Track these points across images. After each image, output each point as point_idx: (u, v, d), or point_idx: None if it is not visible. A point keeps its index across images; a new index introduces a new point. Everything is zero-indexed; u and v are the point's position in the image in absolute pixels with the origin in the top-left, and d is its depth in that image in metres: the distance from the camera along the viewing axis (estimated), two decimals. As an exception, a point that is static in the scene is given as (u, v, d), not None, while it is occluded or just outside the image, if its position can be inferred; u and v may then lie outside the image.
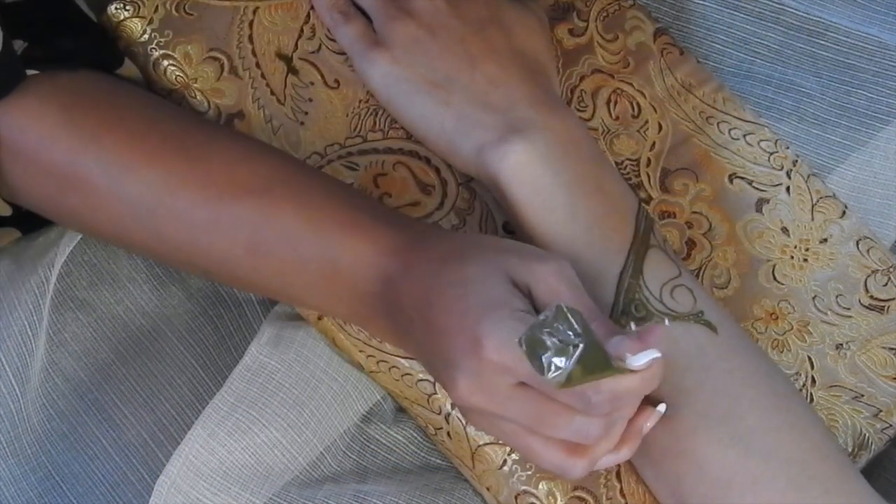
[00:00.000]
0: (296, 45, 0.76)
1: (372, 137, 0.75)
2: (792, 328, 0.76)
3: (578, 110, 0.77)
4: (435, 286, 0.63)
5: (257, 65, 0.75)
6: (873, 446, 0.75)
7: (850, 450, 0.75)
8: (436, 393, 0.72)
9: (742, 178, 0.78)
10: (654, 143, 0.78)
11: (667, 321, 0.68)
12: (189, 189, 0.67)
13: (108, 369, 0.75)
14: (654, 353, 0.59)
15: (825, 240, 0.78)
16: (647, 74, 0.79)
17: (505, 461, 0.71)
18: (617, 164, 0.77)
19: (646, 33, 0.80)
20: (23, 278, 0.74)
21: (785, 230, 0.78)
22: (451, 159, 0.73)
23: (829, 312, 0.77)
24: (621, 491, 0.71)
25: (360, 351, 0.73)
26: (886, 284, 0.78)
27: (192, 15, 0.75)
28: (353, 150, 0.75)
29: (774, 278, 0.77)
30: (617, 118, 0.78)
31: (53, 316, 0.75)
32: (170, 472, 0.72)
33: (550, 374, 0.55)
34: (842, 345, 0.76)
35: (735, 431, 0.67)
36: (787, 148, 0.79)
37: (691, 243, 0.76)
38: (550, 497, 0.71)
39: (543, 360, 0.54)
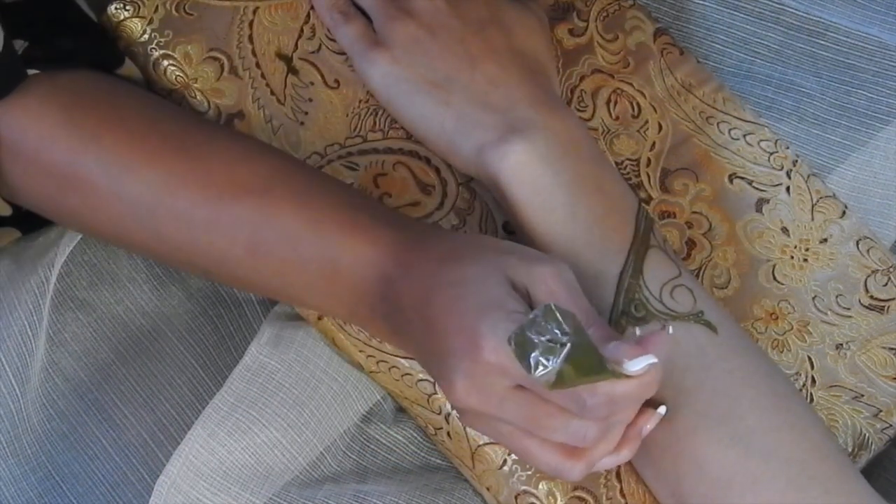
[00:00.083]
0: (296, 45, 0.76)
1: (372, 137, 0.75)
2: (792, 328, 0.76)
3: (578, 110, 0.77)
4: (434, 286, 0.63)
5: (257, 65, 0.75)
6: (873, 446, 0.75)
7: (850, 450, 0.75)
8: (436, 393, 0.72)
9: (742, 178, 0.78)
10: (654, 143, 0.78)
11: (670, 329, 0.68)
12: (189, 189, 0.67)
13: (108, 369, 0.75)
14: (651, 359, 0.59)
15: (825, 240, 0.78)
16: (647, 74, 0.79)
17: (505, 461, 0.71)
18: (617, 164, 0.77)
19: (646, 33, 0.80)
20: (23, 278, 0.74)
21: (785, 230, 0.78)
22: (451, 159, 0.73)
23: (829, 312, 0.77)
24: (621, 491, 0.71)
25: (360, 351, 0.73)
26: (886, 284, 0.78)
27: (192, 15, 0.75)
28: (353, 150, 0.75)
29: (774, 278, 0.77)
30: (617, 118, 0.78)
31: (53, 316, 0.75)
32: (170, 472, 0.72)
33: (538, 373, 0.55)
34: (842, 345, 0.76)
35: (735, 431, 0.67)
36: (787, 148, 0.79)
37: (691, 243, 0.76)
38: (550, 497, 0.71)
39: (531, 359, 0.54)
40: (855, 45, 0.81)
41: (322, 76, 0.76)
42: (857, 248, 0.78)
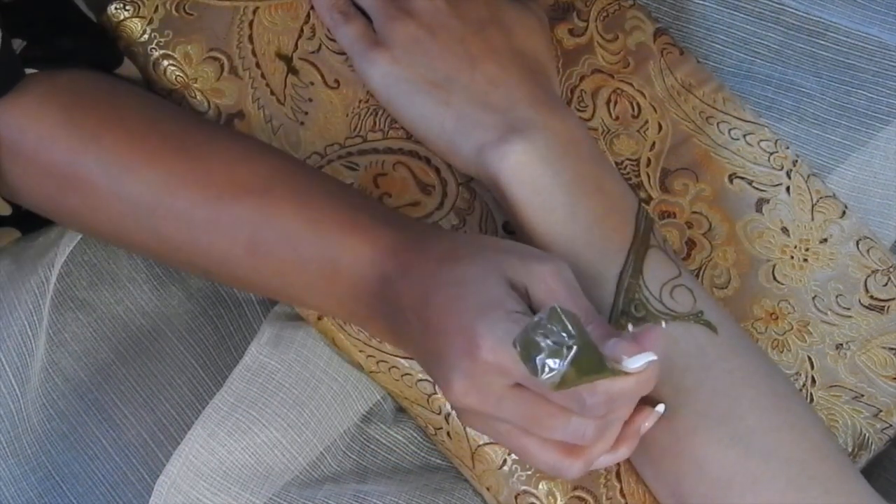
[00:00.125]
0: (296, 45, 0.76)
1: (372, 137, 0.75)
2: (792, 328, 0.76)
3: (578, 110, 0.77)
4: (433, 286, 0.63)
5: (257, 65, 0.75)
6: (873, 446, 0.75)
7: (850, 450, 0.75)
8: (435, 393, 0.72)
9: (742, 178, 0.78)
10: (654, 143, 0.78)
11: (664, 323, 0.68)
12: (189, 189, 0.67)
13: (108, 369, 0.75)
14: (650, 356, 0.59)
15: (825, 240, 0.78)
16: (647, 74, 0.79)
17: (505, 461, 0.71)
18: (617, 164, 0.77)
19: (646, 33, 0.80)
20: (23, 278, 0.74)
21: (785, 230, 0.78)
22: (451, 159, 0.73)
23: (829, 312, 0.77)
24: (621, 491, 0.71)
25: (360, 351, 0.73)
26: (886, 284, 0.78)
27: (192, 15, 0.75)
28: (353, 150, 0.75)
29: (774, 278, 0.77)
30: (617, 118, 0.78)
31: (53, 316, 0.75)
32: (170, 472, 0.72)
33: (544, 376, 0.55)
34: (842, 345, 0.76)
35: (735, 431, 0.67)
36: (787, 148, 0.79)
37: (691, 243, 0.76)
38: (550, 497, 0.71)
39: (537, 361, 0.54)
40: (855, 45, 0.81)
41: (322, 76, 0.76)
42: (857, 248, 0.78)
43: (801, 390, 0.75)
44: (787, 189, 0.78)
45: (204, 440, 0.72)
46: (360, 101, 0.76)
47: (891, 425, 0.76)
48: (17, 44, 0.69)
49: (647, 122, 0.78)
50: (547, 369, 0.54)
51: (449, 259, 0.64)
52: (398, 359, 0.73)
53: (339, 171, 0.74)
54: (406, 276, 0.64)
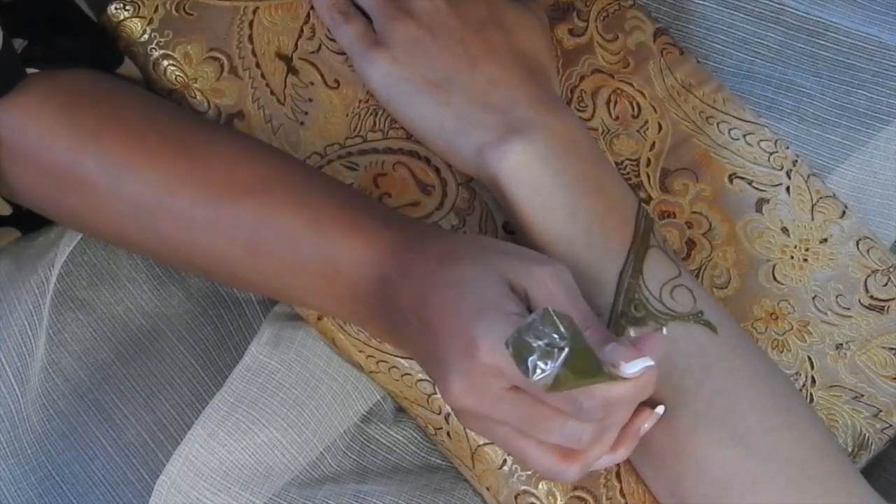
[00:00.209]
0: (296, 45, 0.76)
1: (372, 137, 0.75)
2: (792, 328, 0.76)
3: (578, 110, 0.77)
4: (432, 287, 0.63)
5: (257, 65, 0.75)
6: (873, 446, 0.75)
7: (850, 450, 0.75)
8: (435, 393, 0.72)
9: (742, 178, 0.78)
10: (653, 143, 0.78)
11: (664, 330, 0.68)
12: (189, 189, 0.67)
13: (108, 369, 0.75)
14: (647, 362, 0.59)
15: (825, 240, 0.78)
16: (647, 74, 0.79)
17: (505, 461, 0.71)
18: (617, 164, 0.77)
19: (646, 33, 0.80)
20: (23, 278, 0.74)
21: (785, 230, 0.78)
22: (451, 159, 0.73)
23: (829, 312, 0.77)
24: (621, 491, 0.71)
25: (360, 351, 0.73)
26: (886, 284, 0.78)
27: (192, 15, 0.75)
28: (353, 150, 0.75)
29: (774, 278, 0.77)
30: (617, 118, 0.78)
31: (53, 316, 0.75)
32: (170, 472, 0.72)
33: (535, 377, 0.55)
34: (842, 345, 0.76)
35: (735, 431, 0.67)
36: (787, 148, 0.79)
37: (691, 243, 0.76)
38: (550, 497, 0.71)
39: (529, 362, 0.54)
40: (855, 45, 0.81)
41: (322, 76, 0.76)
42: (857, 248, 0.78)
43: (801, 390, 0.75)
44: (787, 189, 0.78)
45: (204, 440, 0.72)
46: (360, 101, 0.76)
47: (891, 425, 0.76)
48: (18, 43, 0.69)
49: (647, 122, 0.78)
50: (538, 370, 0.54)
51: (449, 259, 0.64)
52: (398, 359, 0.73)
53: (339, 171, 0.74)
54: (405, 276, 0.64)
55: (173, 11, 0.75)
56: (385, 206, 0.72)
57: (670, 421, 0.67)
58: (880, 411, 0.76)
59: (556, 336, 0.54)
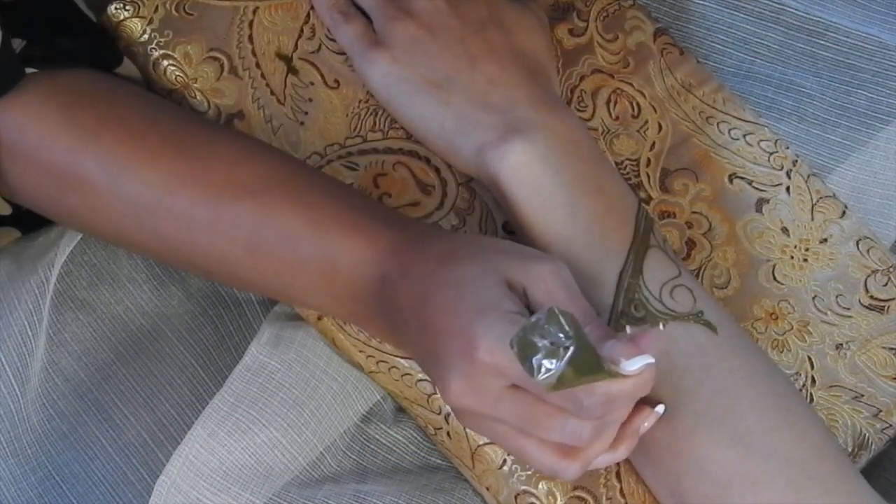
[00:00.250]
0: (296, 45, 0.76)
1: (372, 137, 0.75)
2: (792, 328, 0.76)
3: (578, 110, 0.77)
4: (432, 286, 0.63)
5: (257, 65, 0.75)
6: (873, 446, 0.75)
7: (850, 450, 0.75)
8: (435, 393, 0.72)
9: (742, 178, 0.78)
10: (653, 143, 0.78)
11: (662, 325, 0.68)
12: (189, 189, 0.67)
13: (108, 369, 0.75)
14: (647, 359, 0.59)
15: (825, 240, 0.78)
16: (647, 74, 0.79)
17: (504, 461, 0.71)
18: (617, 164, 0.77)
19: (646, 33, 0.80)
20: (23, 278, 0.74)
21: (785, 230, 0.78)
22: (451, 159, 0.73)
23: (829, 312, 0.77)
24: (621, 491, 0.71)
25: (360, 351, 0.73)
26: (886, 284, 0.78)
27: (192, 15, 0.75)
28: (353, 150, 0.75)
29: (774, 278, 0.77)
30: (617, 118, 0.78)
31: (53, 316, 0.75)
32: (170, 472, 0.72)
33: (540, 376, 0.55)
34: (842, 345, 0.76)
35: (735, 431, 0.67)
36: (787, 148, 0.79)
37: (691, 243, 0.76)
38: (550, 497, 0.71)
39: (534, 362, 0.54)
40: (855, 45, 0.81)
41: (322, 76, 0.76)
42: (857, 248, 0.78)
43: (801, 390, 0.75)
44: (787, 189, 0.78)
45: (204, 440, 0.72)
46: (360, 101, 0.76)
47: (891, 425, 0.76)
48: (17, 43, 0.69)
49: (646, 122, 0.78)
50: (543, 370, 0.54)
51: (448, 259, 0.64)
52: (398, 359, 0.73)
53: (339, 171, 0.74)
54: (405, 276, 0.64)
55: (173, 11, 0.75)
56: (385, 206, 0.72)
57: (670, 421, 0.67)
58: (880, 411, 0.76)
59: (561, 335, 0.54)
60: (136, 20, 0.75)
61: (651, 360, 0.59)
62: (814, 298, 0.77)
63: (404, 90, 0.73)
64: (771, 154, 0.79)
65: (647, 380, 0.60)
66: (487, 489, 0.73)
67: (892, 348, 0.77)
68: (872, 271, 0.78)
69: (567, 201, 0.69)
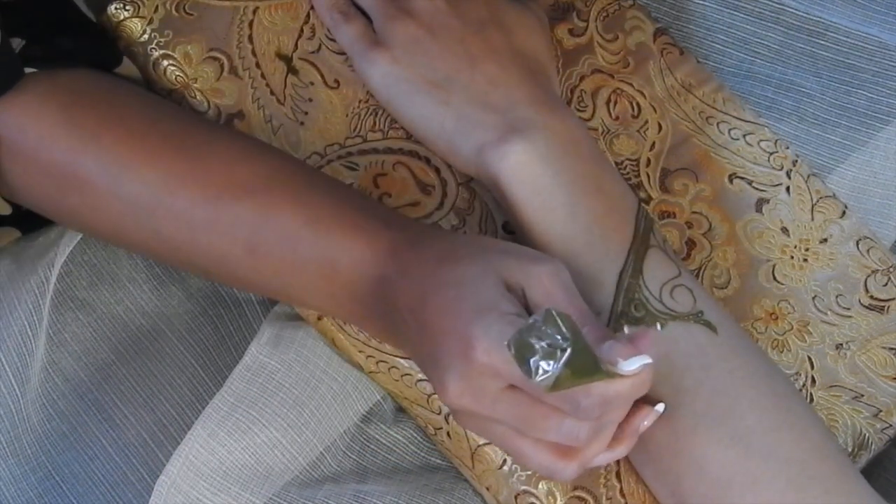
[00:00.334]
0: (296, 45, 0.76)
1: (372, 137, 0.75)
2: (792, 328, 0.76)
3: (578, 110, 0.77)
4: (430, 287, 0.63)
5: (257, 65, 0.75)
6: (873, 446, 0.75)
7: (850, 450, 0.75)
8: (435, 393, 0.72)
9: (742, 178, 0.78)
10: (653, 143, 0.78)
11: (659, 326, 0.68)
12: (188, 189, 0.67)
13: (108, 369, 0.75)
14: (644, 359, 0.59)
15: (825, 240, 0.78)
16: (646, 74, 0.79)
17: (504, 461, 0.71)
18: (617, 164, 0.77)
19: (646, 33, 0.80)
20: (23, 278, 0.74)
21: (785, 230, 0.78)
22: (451, 159, 0.73)
23: (829, 312, 0.77)
24: (621, 491, 0.71)
25: (360, 351, 0.73)
26: (886, 284, 0.78)
27: (192, 15, 0.75)
28: (353, 150, 0.75)
29: (774, 278, 0.77)
30: (617, 118, 0.78)
31: (53, 316, 0.75)
32: (170, 472, 0.72)
33: (538, 378, 0.55)
34: (842, 345, 0.76)
35: (735, 431, 0.67)
36: (787, 148, 0.79)
37: (691, 243, 0.76)
38: (550, 497, 0.71)
39: (531, 363, 0.54)
40: (855, 45, 0.81)
41: (322, 76, 0.76)
42: (857, 248, 0.78)
43: (801, 390, 0.75)
44: (787, 189, 0.78)
45: (204, 440, 0.72)
46: (360, 101, 0.76)
47: (891, 425, 0.76)
48: (17, 43, 0.69)
49: (646, 122, 0.78)
50: (541, 371, 0.55)
51: (448, 259, 0.64)
52: (398, 359, 0.73)
53: (339, 171, 0.74)
54: (405, 276, 0.64)
55: (173, 11, 0.75)
56: (385, 207, 0.72)
57: (670, 420, 0.67)
58: (880, 411, 0.76)
59: (558, 337, 0.55)
60: (136, 20, 0.75)
61: (648, 360, 0.59)
62: (814, 298, 0.77)
63: (404, 90, 0.73)
64: (771, 154, 0.79)
65: (644, 380, 0.60)
66: (487, 489, 0.73)
67: (892, 348, 0.77)
68: (872, 271, 0.78)
69: (567, 201, 0.69)
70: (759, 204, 0.78)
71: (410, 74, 0.73)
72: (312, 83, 0.75)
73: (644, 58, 0.79)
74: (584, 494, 0.71)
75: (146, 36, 0.75)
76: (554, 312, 0.55)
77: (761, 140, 0.79)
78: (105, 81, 0.71)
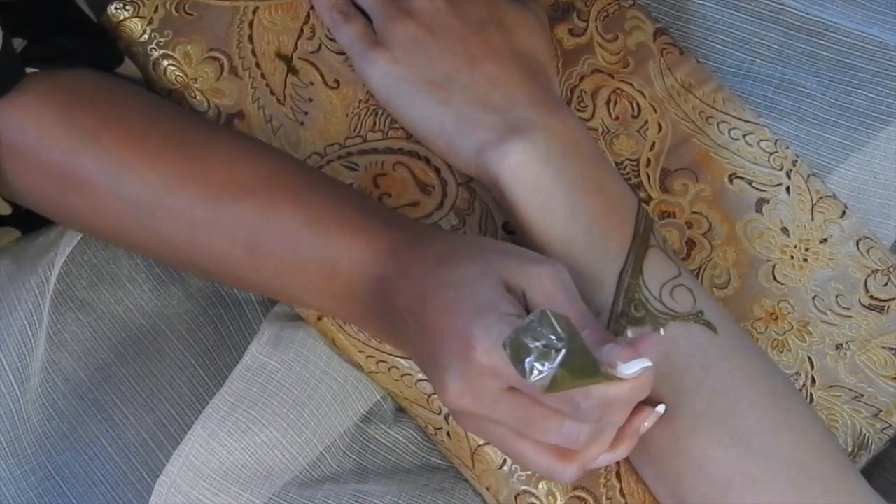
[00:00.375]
0: (296, 45, 0.76)
1: (372, 137, 0.75)
2: (792, 328, 0.76)
3: (578, 110, 0.77)
4: (431, 287, 0.63)
5: (257, 65, 0.75)
6: (873, 446, 0.75)
7: (850, 450, 0.75)
8: (435, 393, 0.72)
9: (742, 178, 0.78)
10: (653, 143, 0.78)
11: (662, 330, 0.68)
12: (188, 188, 0.67)
13: (108, 369, 0.75)
14: (645, 363, 0.59)
15: (825, 240, 0.78)
16: (646, 74, 0.79)
17: (504, 461, 0.71)
18: (617, 164, 0.77)
19: (646, 33, 0.80)
20: (23, 278, 0.74)
21: (785, 230, 0.78)
22: (451, 159, 0.73)
23: (829, 312, 0.77)
24: (621, 491, 0.71)
25: (360, 351, 0.73)
26: (886, 284, 0.78)
27: (192, 15, 0.75)
28: (353, 150, 0.75)
29: (774, 278, 0.77)
30: (617, 118, 0.78)
31: (53, 316, 0.75)
32: (170, 472, 0.72)
33: (533, 378, 0.55)
34: (842, 345, 0.76)
35: (735, 431, 0.67)
36: (787, 148, 0.79)
37: (691, 243, 0.76)
38: (550, 497, 0.71)
39: (526, 363, 0.54)
40: (855, 45, 0.81)
41: (322, 76, 0.76)
42: (857, 248, 0.78)
43: (801, 390, 0.75)
44: (787, 189, 0.78)
45: (204, 440, 0.72)
46: (360, 101, 0.76)
47: (891, 425, 0.76)
48: (17, 43, 0.69)
49: (646, 122, 0.78)
50: (536, 371, 0.54)
51: (448, 260, 0.64)
52: (398, 359, 0.73)
53: (339, 171, 0.74)
54: (405, 276, 0.64)
55: (173, 11, 0.75)
56: (385, 207, 0.72)
57: (670, 421, 0.67)
58: (880, 411, 0.76)
59: (553, 337, 0.54)
60: (136, 20, 0.75)
61: (648, 363, 0.59)
62: (814, 298, 0.77)
63: (404, 90, 0.73)
64: (771, 154, 0.79)
65: (644, 384, 0.60)
66: (487, 489, 0.73)
67: (892, 348, 0.77)
68: (872, 271, 0.78)
69: (567, 201, 0.69)
70: (759, 204, 0.78)
71: (410, 74, 0.73)
72: (312, 83, 0.76)
73: (644, 58, 0.79)
74: (584, 494, 0.71)
75: (146, 36, 0.75)
76: (549, 313, 0.55)
77: (761, 140, 0.79)
78: (105, 81, 0.71)
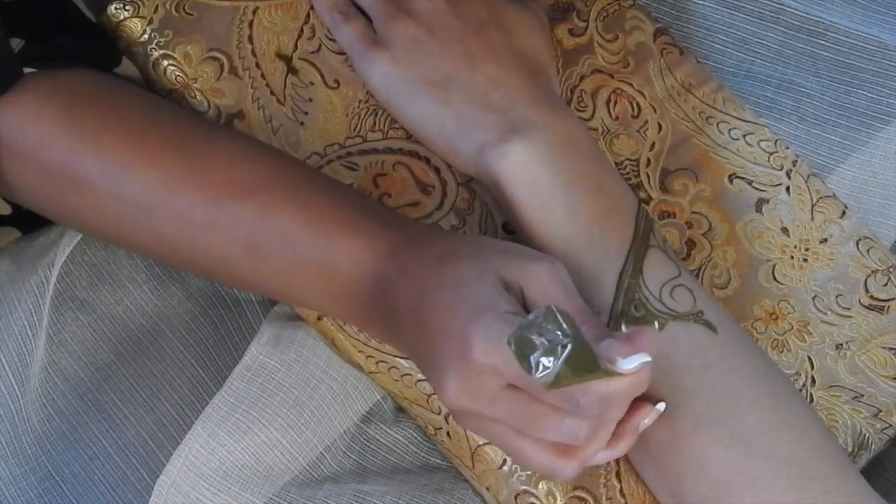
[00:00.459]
0: (296, 45, 0.76)
1: (372, 137, 0.75)
2: (792, 328, 0.76)
3: (578, 110, 0.77)
4: (429, 287, 0.63)
5: (257, 65, 0.75)
6: (873, 446, 0.75)
7: (850, 450, 0.75)
8: (435, 393, 0.72)
9: (742, 178, 0.78)
10: (653, 144, 0.78)
11: (657, 324, 0.68)
12: (188, 189, 0.67)
13: (108, 369, 0.75)
14: (644, 357, 0.59)
15: (825, 240, 0.78)
16: (646, 74, 0.79)
17: (504, 461, 0.71)
18: (617, 164, 0.77)
19: (646, 33, 0.80)
20: (23, 278, 0.74)
21: (785, 230, 0.78)
22: (451, 159, 0.73)
23: (829, 312, 0.77)
24: (621, 491, 0.71)
25: (360, 351, 0.73)
26: (886, 284, 0.78)
27: (192, 15, 0.75)
28: (353, 150, 0.75)
29: (774, 278, 0.77)
30: (617, 118, 0.78)
31: (53, 316, 0.75)
32: (170, 472, 0.72)
33: (538, 374, 0.55)
34: (842, 345, 0.76)
35: (735, 431, 0.67)
36: (787, 148, 0.79)
37: (691, 243, 0.76)
38: (550, 497, 0.71)
39: (532, 359, 0.55)
40: (855, 45, 0.81)
41: (322, 76, 0.76)
42: (857, 248, 0.78)
43: (801, 390, 0.75)
44: (787, 189, 0.78)
45: (204, 440, 0.72)
46: (359, 101, 0.76)
47: (891, 425, 0.76)
48: (16, 43, 0.69)
49: (646, 122, 0.78)
50: (541, 367, 0.55)
51: (448, 260, 0.64)
52: (398, 359, 0.73)
53: (339, 171, 0.74)
54: (403, 276, 0.64)
55: (173, 11, 0.75)
56: (384, 207, 0.72)
57: (670, 420, 0.67)
58: (880, 411, 0.76)
59: (558, 333, 0.55)
60: (135, 20, 0.75)
61: (648, 358, 0.59)
62: (814, 298, 0.77)
63: (404, 90, 0.73)
64: (771, 154, 0.79)
65: (643, 378, 0.60)
66: (487, 489, 0.73)
67: (892, 348, 0.77)
68: (872, 271, 0.78)
69: (567, 201, 0.69)
70: (759, 204, 0.78)
71: (410, 74, 0.73)
72: (312, 83, 0.76)
73: (644, 58, 0.79)
74: (584, 494, 0.71)
75: (146, 36, 0.75)
76: (554, 309, 0.55)
77: (761, 140, 0.79)
78: (105, 81, 0.71)
